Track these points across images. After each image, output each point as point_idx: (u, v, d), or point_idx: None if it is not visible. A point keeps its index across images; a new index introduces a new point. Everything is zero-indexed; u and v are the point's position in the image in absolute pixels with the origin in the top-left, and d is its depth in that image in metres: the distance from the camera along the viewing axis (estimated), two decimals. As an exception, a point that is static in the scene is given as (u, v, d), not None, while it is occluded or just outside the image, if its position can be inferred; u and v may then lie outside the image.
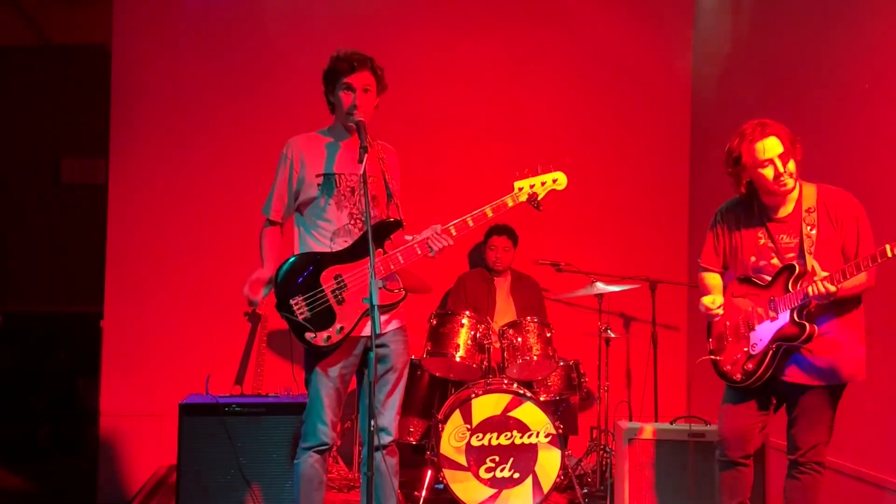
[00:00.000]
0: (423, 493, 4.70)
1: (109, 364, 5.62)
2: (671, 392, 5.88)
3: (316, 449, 3.50)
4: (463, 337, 4.81)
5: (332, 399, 3.47)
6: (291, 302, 3.39)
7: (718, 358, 3.69)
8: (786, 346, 3.46)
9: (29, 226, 7.22)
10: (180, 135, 5.73)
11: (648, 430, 4.37)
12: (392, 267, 3.43)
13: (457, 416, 4.60)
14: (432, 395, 5.05)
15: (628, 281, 5.31)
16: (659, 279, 5.39)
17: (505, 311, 5.47)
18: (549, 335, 4.94)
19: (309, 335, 3.37)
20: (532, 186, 3.57)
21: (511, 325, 4.95)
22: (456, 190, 5.74)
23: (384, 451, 3.49)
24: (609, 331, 5.17)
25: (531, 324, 4.92)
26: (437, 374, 5.01)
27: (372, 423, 3.03)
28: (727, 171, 3.61)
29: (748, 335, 3.59)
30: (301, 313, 3.38)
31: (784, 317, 3.46)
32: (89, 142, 6.79)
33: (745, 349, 3.59)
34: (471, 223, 3.46)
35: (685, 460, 4.26)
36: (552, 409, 4.95)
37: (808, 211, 3.50)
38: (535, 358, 4.85)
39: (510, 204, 3.54)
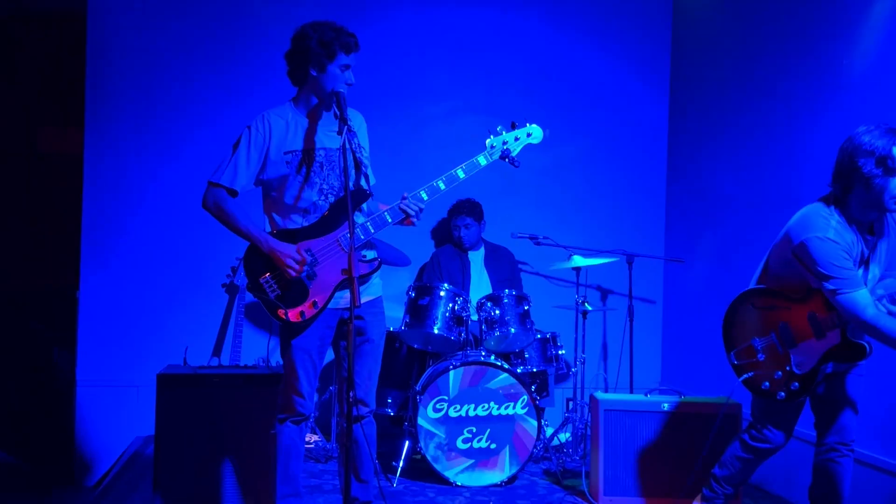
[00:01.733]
0: (401, 463, 4.74)
1: (86, 335, 5.60)
2: (646, 364, 5.96)
3: (293, 420, 3.51)
4: (441, 309, 4.84)
5: (309, 371, 3.48)
6: (261, 280, 3.38)
7: (752, 374, 3.51)
8: (835, 365, 3.36)
9: (4, 196, 7.13)
10: (156, 103, 5.67)
11: (624, 402, 4.42)
12: (362, 237, 3.38)
13: (434, 388, 4.64)
14: (410, 366, 5.09)
15: (606, 255, 5.35)
16: (636, 253, 5.43)
17: (480, 284, 5.50)
18: (526, 308, 4.98)
19: (282, 312, 3.36)
20: (505, 143, 3.49)
21: (489, 297, 4.98)
22: (436, 163, 5.72)
23: (362, 422, 3.51)
24: (586, 304, 5.21)
25: (509, 296, 4.95)
26: (416, 346, 5.04)
27: (351, 394, 3.03)
28: (857, 169, 3.19)
29: (788, 353, 3.43)
30: (272, 291, 3.37)
31: (834, 336, 3.31)
32: (66, 111, 6.71)
33: (788, 368, 3.42)
34: (442, 186, 3.40)
35: (660, 431, 4.32)
36: (529, 380, 5.00)
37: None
38: (512, 330, 4.88)
39: (483, 163, 3.46)
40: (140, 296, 5.63)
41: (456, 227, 5.52)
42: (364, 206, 3.51)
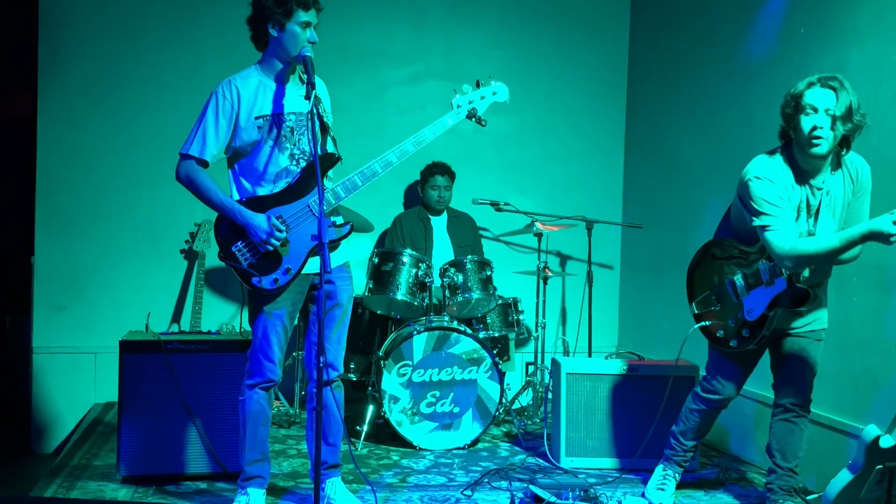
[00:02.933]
0: (365, 427, 4.77)
1: (41, 302, 5.52)
2: (604, 328, 6.06)
3: (262, 385, 3.50)
4: (404, 275, 4.85)
5: (280, 336, 3.48)
6: (233, 249, 3.36)
7: (708, 323, 3.64)
8: (783, 311, 3.45)
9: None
10: (111, 66, 5.55)
11: (584, 365, 4.49)
12: (333, 201, 3.37)
13: (398, 353, 4.67)
14: (373, 332, 5.10)
15: (566, 222, 5.40)
16: (595, 219, 5.49)
17: (443, 249, 5.52)
18: (489, 273, 5.02)
19: (255, 280, 3.34)
20: (471, 102, 3.49)
21: (452, 263, 5.01)
22: (399, 128, 5.71)
23: (331, 386, 3.53)
24: (548, 270, 5.27)
25: (471, 262, 4.99)
26: (379, 312, 5.06)
27: (322, 359, 3.03)
28: (782, 112, 3.39)
29: (741, 301, 3.54)
30: (245, 259, 3.35)
31: (781, 283, 3.41)
32: (15, 74, 6.54)
33: (740, 315, 3.53)
34: (412, 148, 3.39)
35: (620, 394, 4.41)
36: (491, 345, 5.05)
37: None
38: (475, 296, 4.93)
39: (450, 123, 3.45)
40: (96, 261, 5.56)
41: (435, 187, 5.52)
42: (330, 172, 3.49)
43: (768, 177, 3.36)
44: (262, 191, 3.41)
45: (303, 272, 3.41)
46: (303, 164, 3.41)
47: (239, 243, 3.35)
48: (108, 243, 5.57)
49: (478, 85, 3.53)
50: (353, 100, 5.68)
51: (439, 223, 5.61)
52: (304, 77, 3.34)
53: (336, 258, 3.50)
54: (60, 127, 5.50)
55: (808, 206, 3.42)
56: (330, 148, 3.46)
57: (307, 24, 3.31)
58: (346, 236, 3.46)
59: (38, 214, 5.50)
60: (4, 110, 6.95)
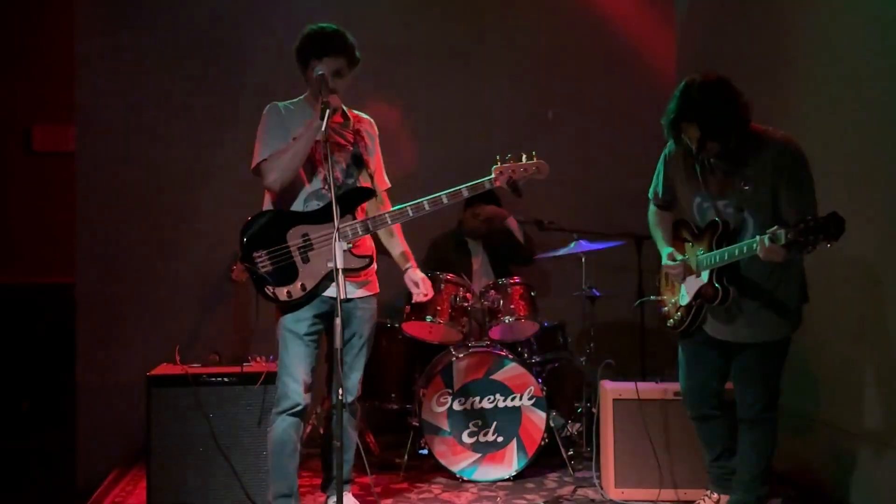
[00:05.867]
0: (406, 458, 4.60)
1: (84, 335, 5.51)
2: (657, 351, 5.77)
3: (290, 412, 3.47)
4: (443, 299, 4.69)
5: (303, 358, 3.48)
6: (254, 255, 3.41)
7: (658, 298, 3.82)
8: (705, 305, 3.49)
9: (0, 195, 7.07)
10: (148, 100, 5.56)
11: (634, 390, 4.25)
12: (360, 233, 3.46)
13: (438, 381, 4.50)
14: (413, 359, 4.93)
15: (612, 238, 5.17)
16: (644, 234, 5.23)
17: (480, 270, 5.36)
18: (531, 295, 4.82)
19: (269, 289, 3.39)
20: (513, 172, 3.50)
21: (492, 286, 4.82)
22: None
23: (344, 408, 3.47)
24: (593, 289, 5.05)
25: (512, 284, 4.80)
26: (418, 338, 4.89)
27: (340, 392, 3.02)
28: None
29: (682, 286, 3.62)
30: (263, 267, 3.40)
31: (704, 277, 3.46)
32: (60, 109, 6.63)
33: (679, 298, 3.63)
34: (446, 200, 3.48)
35: (671, 419, 4.16)
36: (536, 370, 4.83)
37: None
38: (517, 319, 4.73)
39: (487, 187, 3.52)
40: (138, 294, 5.55)
41: (476, 214, 5.36)
42: (368, 205, 3.63)
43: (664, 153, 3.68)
44: (294, 208, 3.50)
45: (326, 295, 3.44)
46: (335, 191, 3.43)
47: (262, 252, 3.41)
48: (150, 276, 5.56)
49: (520, 158, 3.52)
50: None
51: (478, 245, 5.44)
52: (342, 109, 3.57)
53: (359, 289, 3.56)
54: (99, 160, 5.52)
55: (699, 182, 3.58)
56: (366, 180, 3.61)
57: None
58: (364, 268, 3.50)
59: (80, 247, 5.52)
60: (50, 144, 7.06)
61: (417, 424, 4.51)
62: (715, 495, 3.78)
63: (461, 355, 4.53)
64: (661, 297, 3.81)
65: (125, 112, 5.54)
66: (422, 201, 3.45)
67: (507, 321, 4.73)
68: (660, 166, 3.73)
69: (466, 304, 4.71)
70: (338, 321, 2.96)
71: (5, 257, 6.93)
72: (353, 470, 3.87)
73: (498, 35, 5.93)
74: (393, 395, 4.90)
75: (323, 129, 3.21)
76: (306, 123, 3.39)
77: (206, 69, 5.62)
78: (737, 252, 3.27)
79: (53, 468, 5.63)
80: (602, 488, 4.27)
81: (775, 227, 3.07)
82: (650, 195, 3.81)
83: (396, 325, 4.85)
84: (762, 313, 3.42)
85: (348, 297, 3.38)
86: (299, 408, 3.48)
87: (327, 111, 3.20)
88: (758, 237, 3.12)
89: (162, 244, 5.57)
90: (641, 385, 4.29)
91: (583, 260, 5.06)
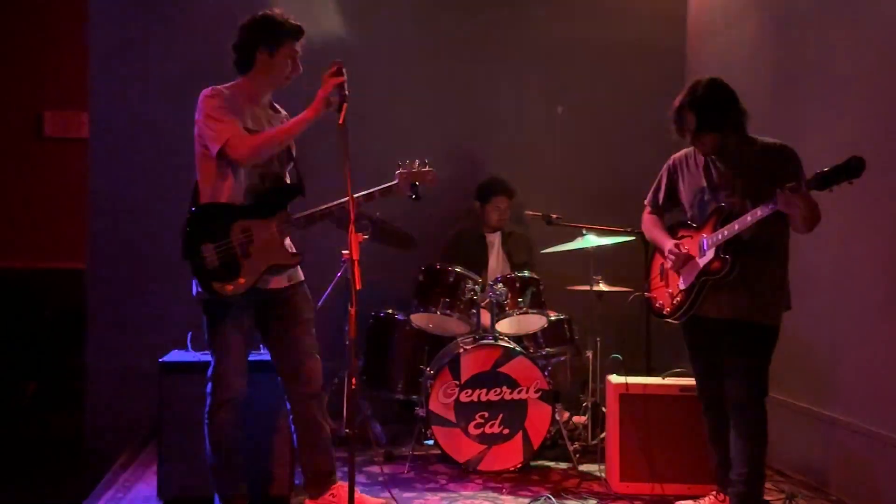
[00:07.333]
0: (412, 449, 4.64)
1: (95, 320, 5.52)
2: (663, 346, 5.78)
3: (229, 400, 3.54)
4: (451, 292, 4.71)
5: (241, 346, 3.53)
6: (202, 248, 3.41)
7: (651, 295, 3.92)
8: (711, 281, 3.56)
9: (11, 181, 7.10)
10: (161, 87, 5.56)
11: (640, 385, 4.29)
12: (291, 230, 3.55)
13: (445, 372, 4.53)
14: (420, 350, 4.96)
15: (620, 233, 5.19)
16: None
17: (497, 267, 5.38)
18: (539, 289, 4.84)
19: (217, 284, 3.40)
20: (412, 177, 3.68)
21: (501, 279, 4.84)
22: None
23: (314, 400, 3.66)
24: (600, 284, 5.07)
25: (520, 278, 4.82)
26: (426, 330, 4.92)
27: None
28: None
29: (678, 274, 3.72)
30: (211, 261, 3.41)
31: (710, 252, 3.55)
32: (71, 95, 6.66)
33: (678, 284, 3.71)
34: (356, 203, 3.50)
35: (677, 415, 4.19)
36: (542, 363, 4.86)
37: None
38: (524, 312, 4.75)
39: (392, 192, 3.68)
40: (147, 280, 5.53)
41: (496, 208, 5.39)
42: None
43: None
44: (233, 200, 3.49)
45: (260, 287, 3.49)
46: (269, 185, 3.55)
47: (209, 245, 3.41)
48: (160, 261, 5.48)
49: (416, 166, 3.69)
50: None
51: (494, 240, 5.47)
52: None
53: (293, 277, 3.63)
54: (113, 146, 5.52)
55: None
56: (294, 178, 3.68)
57: (295, 52, 3.60)
58: (292, 266, 3.59)
59: (91, 232, 5.53)
60: (61, 130, 7.08)
61: (424, 415, 4.55)
62: (721, 495, 3.80)
63: (469, 347, 4.56)
64: (652, 292, 3.93)
65: (138, 100, 5.55)
66: (340, 202, 3.52)
67: (514, 314, 4.76)
68: (662, 174, 3.93)
69: (475, 297, 4.74)
70: (352, 311, 2.98)
71: (15, 241, 6.97)
72: (361, 455, 4.03)
73: (506, 31, 5.94)
74: (400, 386, 4.93)
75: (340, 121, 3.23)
76: (310, 109, 3.44)
77: (217, 58, 5.60)
78: (749, 218, 3.38)
79: (61, 452, 5.66)
80: (607, 481, 4.30)
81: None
82: (647, 202, 4.00)
83: (404, 316, 4.88)
84: (756, 287, 3.53)
85: (289, 283, 3.57)
86: (238, 397, 3.56)
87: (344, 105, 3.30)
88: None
89: (173, 230, 5.56)
90: (647, 380, 4.33)
91: (591, 254, 5.07)
